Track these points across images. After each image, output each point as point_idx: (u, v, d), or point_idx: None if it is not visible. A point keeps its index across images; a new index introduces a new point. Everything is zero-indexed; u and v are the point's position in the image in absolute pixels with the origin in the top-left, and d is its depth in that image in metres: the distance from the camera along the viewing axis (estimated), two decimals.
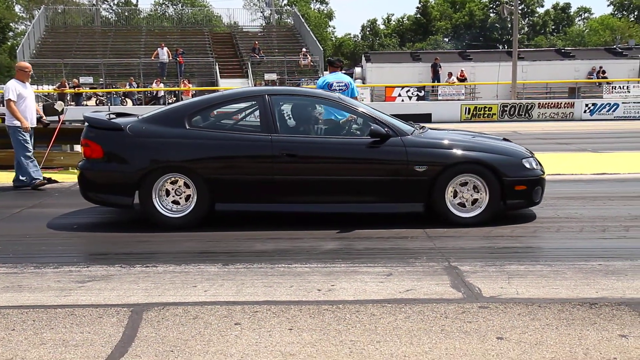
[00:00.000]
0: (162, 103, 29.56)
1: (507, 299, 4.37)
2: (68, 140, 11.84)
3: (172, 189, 6.64)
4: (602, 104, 27.61)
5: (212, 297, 4.47)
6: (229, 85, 30.19)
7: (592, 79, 33.70)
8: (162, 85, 30.60)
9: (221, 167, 6.62)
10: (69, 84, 28.33)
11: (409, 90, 30.02)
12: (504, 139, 7.62)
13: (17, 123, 9.38)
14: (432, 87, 32.59)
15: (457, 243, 5.98)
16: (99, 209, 7.58)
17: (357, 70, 38.57)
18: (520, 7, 50.53)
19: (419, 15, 79.05)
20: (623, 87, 30.27)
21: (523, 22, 79.46)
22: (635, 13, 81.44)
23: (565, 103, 27.78)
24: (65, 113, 12.00)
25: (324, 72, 37.09)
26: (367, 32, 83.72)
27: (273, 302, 4.35)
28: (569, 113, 27.32)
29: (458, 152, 6.67)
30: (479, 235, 6.25)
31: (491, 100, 28.94)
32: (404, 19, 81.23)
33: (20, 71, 9.74)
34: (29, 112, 9.63)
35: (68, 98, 27.51)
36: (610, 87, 30.31)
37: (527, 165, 6.79)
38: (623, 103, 27.57)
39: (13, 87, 9.45)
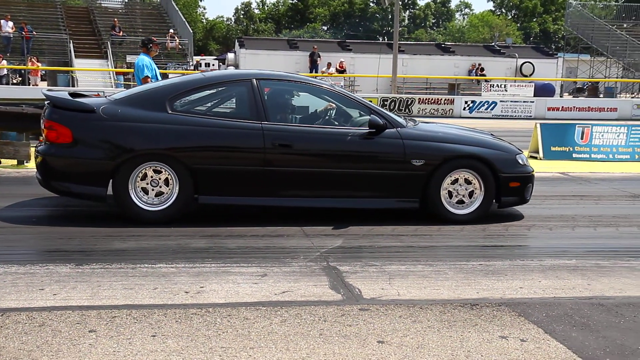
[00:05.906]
0: (4, 83, 27.85)
1: (388, 301, 4.46)
2: None
3: (151, 179, 6.37)
4: (481, 102, 29.13)
5: (63, 301, 4.25)
6: (85, 66, 29.01)
7: (471, 75, 35.42)
8: (4, 62, 28.78)
9: (206, 156, 6.46)
10: None
11: None
12: (491, 134, 7.83)
13: None
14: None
15: (336, 242, 6.05)
16: None
17: (230, 56, 38.25)
18: None
19: (295, 0, 79.80)
20: (501, 85, 32.09)
21: (404, 14, 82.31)
22: (513, 11, 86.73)
23: (445, 99, 29.04)
24: None
25: (193, 57, 36.70)
26: (241, 16, 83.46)
27: (134, 306, 4.20)
28: (449, 110, 28.58)
29: (455, 146, 6.87)
30: (359, 234, 6.35)
31: (371, 94, 29.67)
32: (279, 4, 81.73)
33: None
34: None
35: None
36: (489, 85, 31.99)
37: (520, 162, 7.08)
38: (501, 101, 29.22)
39: None
